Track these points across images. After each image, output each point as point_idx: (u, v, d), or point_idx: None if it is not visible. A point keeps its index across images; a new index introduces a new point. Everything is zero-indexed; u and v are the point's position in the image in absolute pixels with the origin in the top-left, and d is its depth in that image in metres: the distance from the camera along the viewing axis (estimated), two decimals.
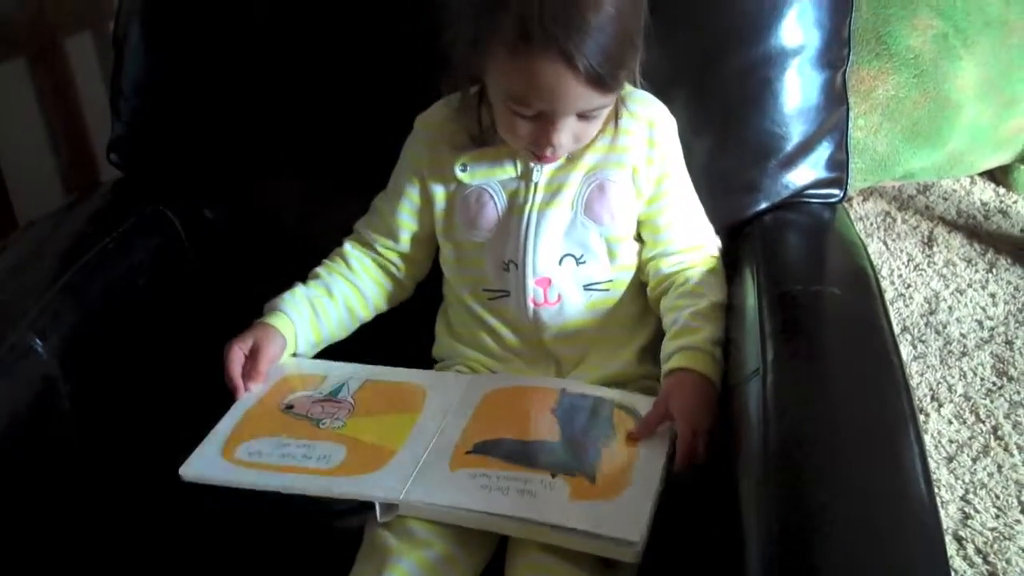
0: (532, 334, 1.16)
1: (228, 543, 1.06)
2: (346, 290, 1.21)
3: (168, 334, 1.28)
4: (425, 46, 1.26)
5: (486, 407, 1.09)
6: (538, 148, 1.07)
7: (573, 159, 1.14)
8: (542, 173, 1.14)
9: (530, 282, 1.14)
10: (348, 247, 1.24)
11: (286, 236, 1.37)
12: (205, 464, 1.01)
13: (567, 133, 1.05)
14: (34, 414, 1.09)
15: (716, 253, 1.21)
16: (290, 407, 1.09)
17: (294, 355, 1.18)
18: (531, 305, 1.15)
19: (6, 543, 1.02)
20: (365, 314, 1.23)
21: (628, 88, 1.14)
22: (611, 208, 1.14)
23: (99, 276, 1.22)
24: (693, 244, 1.19)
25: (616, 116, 1.13)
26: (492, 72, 1.05)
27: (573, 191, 1.14)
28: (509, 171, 1.15)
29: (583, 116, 1.05)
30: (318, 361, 1.19)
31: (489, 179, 1.16)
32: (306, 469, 1.00)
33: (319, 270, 1.22)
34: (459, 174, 1.16)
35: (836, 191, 1.33)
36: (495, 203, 1.15)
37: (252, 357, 1.13)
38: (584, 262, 1.15)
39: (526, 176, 1.15)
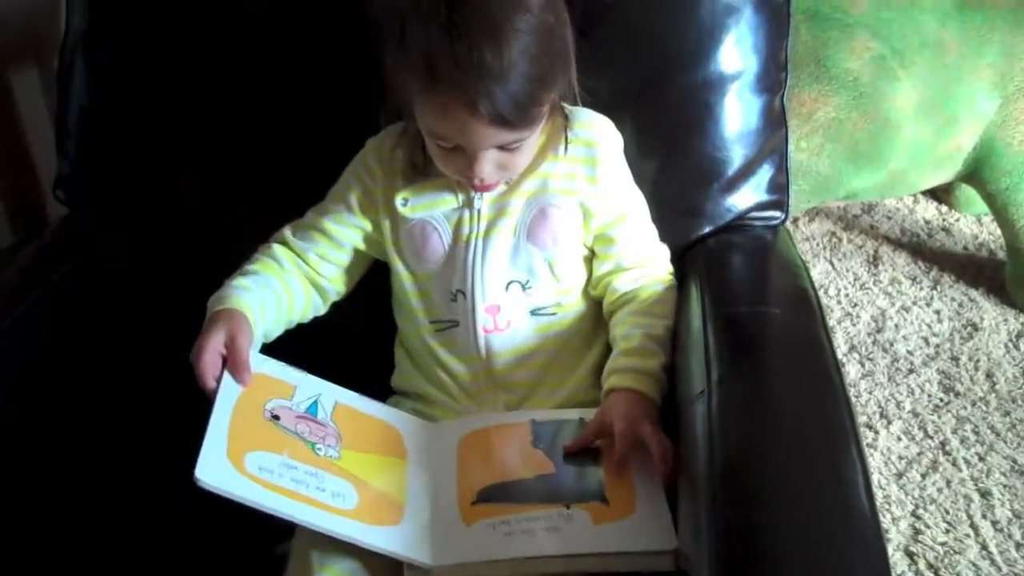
0: (482, 365, 1.16)
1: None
2: (279, 289, 1.15)
3: (122, 366, 1.26)
4: (366, 71, 1.27)
5: (466, 454, 1.09)
6: (466, 179, 1.08)
7: (515, 185, 1.14)
8: (483, 200, 1.14)
9: (480, 310, 1.14)
10: (278, 250, 1.19)
11: (236, 264, 1.36)
12: (219, 472, 0.96)
13: (489, 165, 1.06)
14: None
15: (670, 269, 1.22)
16: (276, 417, 1.05)
17: None
18: (482, 333, 1.15)
19: None
20: (291, 318, 1.18)
21: (572, 110, 1.15)
22: (554, 232, 1.14)
23: (48, 314, 1.21)
24: (647, 260, 1.20)
25: (565, 142, 1.14)
26: (413, 104, 1.05)
27: (516, 217, 1.14)
28: (451, 201, 1.16)
29: (504, 148, 1.05)
30: (274, 362, 1.11)
31: (431, 211, 1.16)
32: (325, 505, 0.98)
33: (252, 266, 1.16)
34: (400, 209, 1.16)
35: (778, 213, 1.35)
36: (439, 234, 1.15)
37: (231, 351, 1.04)
38: (530, 287, 1.15)
39: (468, 204, 1.15)
